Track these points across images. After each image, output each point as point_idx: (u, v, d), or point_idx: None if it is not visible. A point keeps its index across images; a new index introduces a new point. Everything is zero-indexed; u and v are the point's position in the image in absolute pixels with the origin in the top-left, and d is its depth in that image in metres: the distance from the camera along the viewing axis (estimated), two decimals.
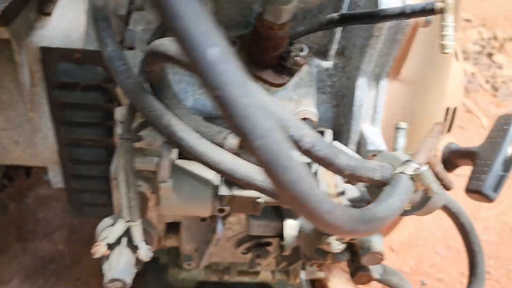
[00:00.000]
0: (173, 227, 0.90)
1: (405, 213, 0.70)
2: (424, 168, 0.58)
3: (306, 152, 0.54)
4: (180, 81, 0.75)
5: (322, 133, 0.81)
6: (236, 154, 0.65)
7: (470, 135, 1.99)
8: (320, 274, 1.00)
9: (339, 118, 0.83)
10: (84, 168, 0.99)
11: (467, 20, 2.81)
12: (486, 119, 2.10)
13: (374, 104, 0.79)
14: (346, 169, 0.57)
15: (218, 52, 0.31)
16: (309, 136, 0.52)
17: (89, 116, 0.89)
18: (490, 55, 2.55)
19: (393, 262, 1.43)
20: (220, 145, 0.66)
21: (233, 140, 0.65)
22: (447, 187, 0.63)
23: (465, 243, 0.86)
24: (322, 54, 0.81)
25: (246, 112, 0.33)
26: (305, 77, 0.79)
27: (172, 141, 0.61)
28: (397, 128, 0.69)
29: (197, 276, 1.07)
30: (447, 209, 0.80)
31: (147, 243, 0.71)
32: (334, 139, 0.85)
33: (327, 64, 0.81)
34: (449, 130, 1.06)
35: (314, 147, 0.53)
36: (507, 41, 2.65)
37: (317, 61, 0.81)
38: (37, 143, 0.97)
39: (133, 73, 0.65)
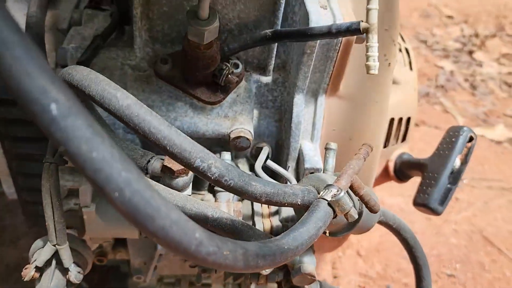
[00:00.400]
0: (122, 241, 0.90)
1: (335, 234, 0.70)
2: (342, 194, 0.57)
3: (216, 182, 0.53)
4: None
5: (261, 149, 0.81)
6: (159, 177, 0.65)
7: None
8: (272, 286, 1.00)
9: (281, 133, 0.83)
10: (34, 181, 0.98)
11: (449, 17, 2.80)
12: (463, 119, 2.10)
13: (313, 120, 0.78)
14: (261, 196, 0.56)
15: (59, 108, 0.30)
16: (216, 167, 0.52)
17: (31, 131, 0.88)
18: (470, 52, 2.54)
19: (360, 268, 1.43)
20: (144, 169, 0.65)
21: (156, 164, 0.64)
22: (372, 210, 0.63)
23: (410, 257, 0.85)
24: (262, 69, 0.80)
25: (96, 167, 0.32)
26: (243, 94, 0.78)
27: None
28: (326, 149, 0.68)
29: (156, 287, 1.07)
30: (388, 225, 0.79)
31: (79, 265, 0.70)
32: (277, 154, 0.84)
33: (266, 79, 0.80)
34: (403, 139, 1.06)
35: (223, 178, 0.52)
36: (488, 38, 2.64)
37: (256, 77, 0.80)
38: None
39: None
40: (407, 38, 2.58)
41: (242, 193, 0.55)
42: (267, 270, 0.68)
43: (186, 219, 0.38)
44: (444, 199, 0.88)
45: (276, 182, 0.59)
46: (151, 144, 0.51)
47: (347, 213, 0.58)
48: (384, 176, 1.03)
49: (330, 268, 1.42)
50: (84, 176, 0.32)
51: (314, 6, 0.71)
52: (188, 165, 0.51)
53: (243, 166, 0.82)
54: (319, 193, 0.59)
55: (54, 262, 0.69)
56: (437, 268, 1.45)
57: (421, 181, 0.91)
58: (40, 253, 0.68)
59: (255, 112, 0.81)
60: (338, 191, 0.58)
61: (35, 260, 0.69)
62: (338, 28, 0.64)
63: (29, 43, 0.30)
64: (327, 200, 0.58)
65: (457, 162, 0.89)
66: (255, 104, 0.81)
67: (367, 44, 0.64)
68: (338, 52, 0.72)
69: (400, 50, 1.05)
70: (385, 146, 1.02)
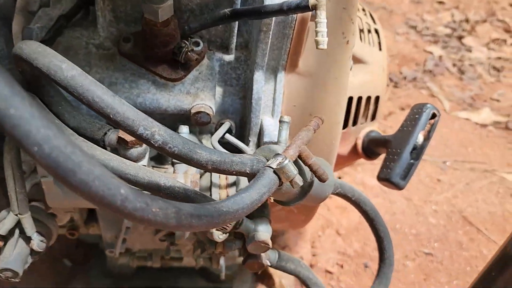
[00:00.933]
0: (94, 214, 0.93)
1: (288, 203, 0.73)
2: (286, 162, 0.60)
3: (160, 149, 0.56)
4: None
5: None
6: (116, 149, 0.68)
7: None
8: (239, 260, 1.03)
9: (245, 110, 0.85)
10: None
11: (440, 2, 2.80)
12: (449, 103, 2.11)
13: (273, 96, 0.80)
14: (207, 164, 0.59)
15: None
16: (159, 134, 0.54)
17: None
18: (460, 37, 2.55)
19: (339, 246, 1.46)
20: (101, 141, 0.68)
21: (112, 136, 0.67)
22: (321, 179, 0.65)
23: (372, 230, 0.88)
24: (225, 47, 0.83)
25: (14, 123, 0.35)
26: (205, 71, 0.80)
27: None
28: (280, 121, 0.71)
29: (133, 262, 1.10)
30: (347, 197, 0.82)
31: (42, 235, 0.74)
32: (242, 130, 0.87)
33: (229, 57, 0.82)
34: (373, 118, 1.08)
35: (166, 145, 0.55)
36: (478, 24, 2.64)
37: (219, 55, 0.82)
38: None
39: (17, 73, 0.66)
40: (396, 23, 2.59)
41: (187, 160, 0.58)
42: (220, 236, 0.71)
43: (111, 176, 0.41)
44: (406, 174, 0.91)
45: (224, 151, 0.62)
46: (96, 113, 0.54)
47: (292, 180, 0.61)
48: (353, 154, 1.06)
49: (309, 246, 1.45)
50: (5, 133, 0.35)
51: None
52: (132, 133, 0.54)
53: (207, 142, 0.85)
54: (267, 162, 0.62)
55: (17, 231, 0.72)
56: (415, 246, 1.48)
57: (385, 156, 0.93)
58: (3, 223, 0.71)
59: (220, 89, 0.83)
60: (283, 159, 0.61)
61: None
62: (289, 5, 0.67)
63: None
64: (272, 168, 0.60)
65: (420, 138, 0.91)
66: (220, 82, 0.83)
67: (316, 20, 0.66)
68: (293, 29, 0.74)
69: (369, 31, 1.07)
70: (354, 125, 1.05)
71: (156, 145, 0.55)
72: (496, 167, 1.79)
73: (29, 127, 0.34)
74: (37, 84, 0.66)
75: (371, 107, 1.05)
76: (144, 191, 0.46)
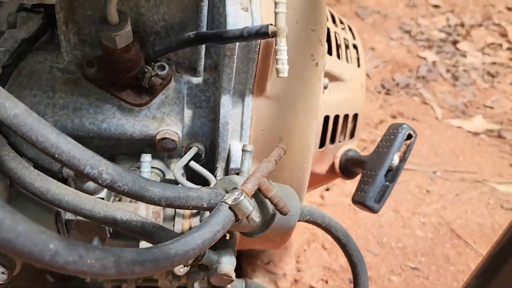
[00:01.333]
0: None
1: (251, 235, 0.71)
2: (242, 198, 0.58)
3: (109, 187, 0.54)
4: (39, 103, 0.75)
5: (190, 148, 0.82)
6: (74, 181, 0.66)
7: (422, 127, 1.98)
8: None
9: (215, 133, 0.84)
10: None
11: (436, 6, 2.77)
12: (441, 110, 2.09)
13: (241, 120, 0.79)
14: (160, 200, 0.57)
15: None
16: (107, 173, 0.53)
17: None
18: (455, 42, 2.52)
19: (324, 261, 1.45)
20: (59, 173, 0.67)
21: None
22: (282, 212, 0.64)
23: (345, 255, 0.86)
24: (194, 69, 0.81)
25: None
26: (172, 95, 0.79)
27: (2, 171, 0.62)
28: (243, 151, 0.69)
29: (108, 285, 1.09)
30: (317, 224, 0.80)
31: (4, 266, 0.72)
32: (212, 153, 0.85)
33: (197, 80, 0.81)
34: (352, 136, 1.06)
35: (115, 183, 0.54)
36: (474, 28, 2.61)
37: (187, 77, 0.80)
38: None
39: None
40: (390, 28, 2.56)
41: (138, 198, 0.56)
42: (180, 270, 0.69)
43: (37, 231, 0.39)
44: (381, 197, 0.89)
45: (178, 186, 0.60)
46: (41, 153, 0.52)
47: (248, 216, 0.59)
48: (331, 172, 1.04)
49: (294, 261, 1.43)
50: None
51: (234, 8, 0.71)
52: (78, 172, 0.52)
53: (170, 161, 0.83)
54: (225, 195, 0.61)
55: None
56: (401, 261, 1.46)
57: (360, 178, 0.91)
58: None
59: (189, 112, 0.82)
60: (239, 194, 0.59)
61: None
62: (249, 31, 0.65)
63: None
64: (228, 203, 0.59)
65: (395, 159, 0.89)
66: (189, 104, 0.82)
67: (276, 47, 0.64)
68: (258, 54, 0.72)
69: (347, 46, 1.04)
70: (332, 143, 1.03)
71: (104, 184, 0.53)
72: (487, 177, 1.77)
73: None
74: None
75: (349, 125, 1.03)
76: (77, 241, 0.44)
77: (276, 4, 0.63)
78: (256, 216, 0.60)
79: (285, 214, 0.64)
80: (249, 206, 0.58)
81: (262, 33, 0.64)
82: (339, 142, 1.04)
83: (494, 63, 2.39)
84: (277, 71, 0.64)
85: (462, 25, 2.63)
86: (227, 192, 0.63)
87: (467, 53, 2.44)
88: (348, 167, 1.01)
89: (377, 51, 2.40)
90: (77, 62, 0.78)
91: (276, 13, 0.63)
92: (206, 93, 0.82)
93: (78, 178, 0.65)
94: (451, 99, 2.15)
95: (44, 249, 0.39)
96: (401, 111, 2.07)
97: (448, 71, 2.32)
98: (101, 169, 0.53)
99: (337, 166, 1.02)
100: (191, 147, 0.83)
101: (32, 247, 0.38)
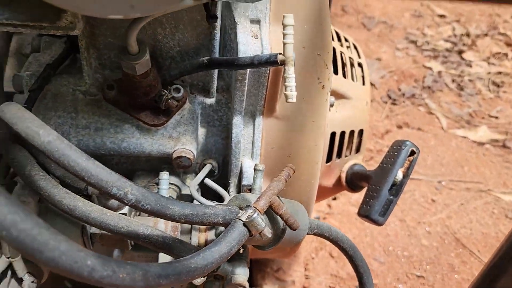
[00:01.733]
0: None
1: (263, 247, 0.75)
2: (255, 215, 0.63)
3: (133, 207, 0.59)
4: (64, 124, 0.81)
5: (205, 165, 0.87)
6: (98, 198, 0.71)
7: (427, 137, 2.02)
8: None
9: (228, 151, 0.88)
10: None
11: (442, 16, 2.80)
12: (447, 120, 2.12)
13: (252, 139, 0.83)
14: (180, 218, 0.62)
15: None
16: (132, 194, 0.58)
17: None
18: (460, 52, 2.55)
19: (332, 268, 1.48)
20: (84, 190, 0.72)
21: None
22: (292, 227, 0.68)
23: (352, 266, 0.90)
24: (207, 91, 0.86)
25: None
26: (186, 115, 0.84)
27: (33, 189, 0.67)
28: (255, 170, 0.74)
29: None
30: (325, 237, 0.84)
31: (34, 275, 0.77)
32: (224, 169, 0.90)
33: (210, 101, 0.86)
34: (357, 150, 1.10)
35: (139, 203, 0.58)
36: (479, 37, 2.65)
37: (200, 98, 0.85)
38: None
39: (4, 124, 0.70)
40: (397, 38, 2.60)
41: (160, 216, 0.61)
42: (198, 280, 0.74)
43: (77, 249, 0.44)
44: (386, 211, 0.93)
45: (197, 204, 0.65)
46: (72, 175, 0.57)
47: (261, 232, 0.64)
48: (338, 186, 1.08)
49: (302, 269, 1.47)
50: None
51: (244, 36, 0.76)
52: (106, 193, 0.57)
53: (191, 181, 0.88)
54: (240, 212, 0.65)
55: (9, 272, 0.76)
56: (407, 269, 1.50)
57: (366, 192, 0.95)
58: None
59: (203, 130, 0.87)
60: (252, 212, 0.64)
61: None
62: (259, 59, 0.70)
63: None
64: (242, 220, 0.63)
65: (399, 175, 0.93)
66: (202, 123, 0.87)
67: (284, 75, 0.69)
68: (268, 78, 0.77)
69: (353, 65, 1.09)
70: (338, 158, 1.07)
71: (129, 204, 0.58)
72: (491, 187, 1.80)
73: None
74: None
75: (355, 140, 1.08)
76: (109, 258, 0.49)
77: (284, 35, 0.68)
78: (268, 232, 0.64)
79: (295, 229, 0.69)
80: (262, 222, 0.63)
81: (271, 62, 0.69)
82: (345, 156, 1.08)
83: (500, 73, 2.42)
84: (286, 97, 0.69)
85: (468, 35, 2.66)
86: (240, 208, 0.67)
87: (472, 63, 2.48)
88: (354, 181, 1.05)
89: (383, 61, 2.45)
90: (98, 85, 0.83)
91: (284, 43, 0.68)
92: (219, 112, 0.87)
93: (102, 195, 0.70)
94: (456, 109, 2.18)
95: (82, 265, 0.44)
96: (406, 121, 2.10)
97: (453, 81, 2.36)
98: (127, 190, 0.58)
99: (343, 180, 1.06)
100: (205, 164, 0.87)
101: (73, 264, 0.43)
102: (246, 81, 0.76)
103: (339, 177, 1.08)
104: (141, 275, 0.50)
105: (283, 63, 0.68)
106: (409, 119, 2.11)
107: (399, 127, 2.07)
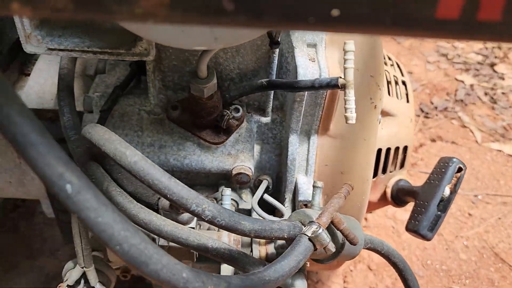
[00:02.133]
0: None
1: (322, 261, 0.79)
2: (320, 231, 0.66)
3: (209, 222, 0.63)
4: (130, 142, 0.86)
5: (261, 181, 0.91)
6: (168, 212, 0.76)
7: (462, 151, 2.02)
8: None
9: (281, 166, 0.92)
10: None
11: None
12: (481, 134, 2.12)
13: (307, 157, 0.87)
14: (250, 233, 0.66)
15: (72, 188, 0.42)
16: (209, 210, 0.62)
17: None
18: (492, 65, 2.55)
19: (370, 281, 1.50)
20: (155, 205, 0.77)
21: (165, 202, 0.75)
22: (352, 242, 0.71)
23: (401, 279, 0.93)
24: (262, 110, 0.90)
25: (101, 228, 0.43)
26: (244, 134, 0.88)
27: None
28: (314, 187, 0.78)
29: None
30: (377, 251, 0.87)
31: (104, 284, 0.82)
32: (278, 185, 0.94)
33: (266, 120, 0.90)
34: (401, 166, 1.13)
35: (215, 219, 0.63)
36: (511, 50, 2.64)
37: (256, 117, 0.90)
38: (26, 183, 1.11)
39: (83, 142, 0.76)
40: (427, 51, 2.62)
41: (233, 231, 0.65)
42: None
43: (175, 263, 0.49)
44: (434, 226, 0.95)
45: (264, 219, 0.69)
46: (155, 192, 0.62)
47: (326, 247, 0.68)
48: (383, 200, 1.11)
49: (341, 281, 1.50)
50: (93, 234, 0.44)
51: (303, 59, 0.80)
52: (185, 209, 0.62)
53: (247, 196, 0.92)
54: (303, 228, 0.69)
55: (82, 281, 0.81)
56: (446, 283, 1.51)
57: (413, 208, 0.98)
58: (71, 273, 0.80)
59: (258, 147, 0.91)
60: (317, 228, 0.67)
61: (66, 280, 0.81)
62: (320, 83, 0.74)
63: (49, 141, 0.42)
64: (307, 236, 0.67)
65: (446, 191, 0.96)
66: (257, 140, 0.91)
67: (345, 98, 0.73)
68: (325, 100, 0.81)
69: (397, 83, 1.12)
70: (384, 173, 1.10)
71: (206, 219, 0.62)
72: None
73: (112, 231, 0.43)
74: (100, 155, 0.75)
75: (400, 156, 1.11)
76: (199, 270, 0.53)
77: (345, 60, 0.72)
78: (332, 247, 0.68)
79: (355, 245, 0.72)
80: (327, 238, 0.67)
81: (332, 85, 0.73)
82: (390, 172, 1.11)
83: None
84: (346, 118, 0.73)
85: (499, 47, 2.66)
86: (302, 224, 0.71)
87: (505, 75, 2.47)
88: (399, 196, 1.08)
89: (415, 74, 2.46)
90: (161, 105, 0.88)
91: (345, 68, 0.72)
92: (273, 131, 0.91)
93: (173, 210, 0.74)
94: (490, 123, 2.18)
95: (179, 278, 0.48)
96: (440, 134, 2.11)
97: (486, 94, 2.36)
98: (204, 207, 0.62)
99: (389, 195, 1.09)
100: (260, 180, 0.92)
101: (171, 276, 0.48)
102: (304, 102, 0.80)
103: (384, 192, 1.10)
104: (225, 287, 0.54)
105: (343, 86, 0.72)
106: (443, 132, 2.12)
107: (433, 140, 2.08)
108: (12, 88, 0.40)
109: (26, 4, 0.29)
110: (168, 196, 0.61)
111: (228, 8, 0.28)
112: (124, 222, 0.45)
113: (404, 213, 1.71)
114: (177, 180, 0.62)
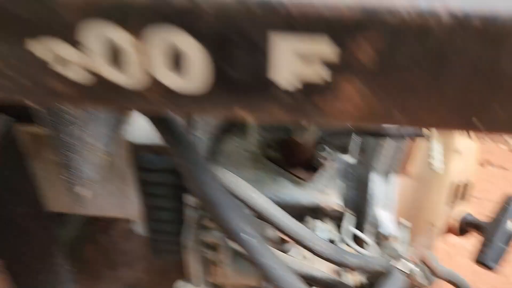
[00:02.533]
0: None
1: None
2: (418, 270, 0.77)
3: (319, 256, 0.75)
4: None
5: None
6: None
7: (511, 176, 2.08)
8: None
9: (361, 202, 1.04)
10: (162, 225, 1.26)
11: None
12: None
13: (386, 193, 0.99)
14: (354, 266, 0.78)
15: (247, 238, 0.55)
16: (320, 246, 0.74)
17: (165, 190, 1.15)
18: None
19: None
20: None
21: (275, 233, 0.88)
22: (439, 277, 0.82)
23: None
24: (345, 149, 1.02)
25: (269, 269, 0.56)
26: (331, 171, 1.00)
27: None
28: (400, 224, 0.89)
29: None
30: (454, 284, 0.97)
31: None
32: (358, 218, 1.05)
33: (351, 160, 1.02)
34: (463, 198, 1.23)
35: (323, 253, 0.75)
36: None
37: (340, 156, 1.02)
38: (126, 206, 1.27)
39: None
40: None
41: (338, 265, 0.77)
42: None
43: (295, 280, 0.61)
44: (498, 257, 1.05)
45: (361, 254, 0.80)
46: (276, 229, 0.75)
47: (418, 282, 0.79)
48: (447, 231, 1.21)
49: None
50: (266, 278, 0.57)
51: None
52: (300, 245, 0.74)
53: (344, 230, 1.04)
54: (395, 262, 0.80)
55: None
56: None
57: (482, 242, 1.08)
58: None
59: (341, 183, 1.03)
60: (411, 264, 0.79)
61: None
62: (407, 132, 0.85)
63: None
64: (403, 271, 0.78)
65: (510, 225, 1.06)
66: (341, 177, 1.03)
67: (430, 147, 0.84)
68: (408, 144, 0.92)
69: None
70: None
71: (317, 253, 0.74)
72: None
73: (278, 274, 0.55)
74: None
75: (462, 190, 1.20)
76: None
77: None
78: (426, 283, 0.79)
79: (442, 278, 0.83)
80: (420, 273, 0.78)
81: (417, 135, 0.84)
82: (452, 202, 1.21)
83: None
84: (431, 166, 0.84)
85: None
86: (392, 258, 0.83)
87: None
88: (464, 227, 1.18)
89: None
90: (259, 144, 1.01)
91: None
92: (355, 169, 1.03)
93: (279, 241, 0.87)
94: None
95: None
96: (488, 158, 2.17)
97: None
98: (315, 243, 0.74)
99: (457, 227, 1.19)
100: (341, 212, 1.03)
101: None
102: (388, 146, 0.92)
103: (451, 224, 1.20)
104: None
105: (428, 137, 0.83)
106: (491, 156, 2.18)
107: (481, 164, 2.14)
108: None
109: None
110: (287, 233, 0.73)
111: None
112: (279, 262, 0.58)
113: (454, 237, 1.79)
114: (293, 219, 0.75)
